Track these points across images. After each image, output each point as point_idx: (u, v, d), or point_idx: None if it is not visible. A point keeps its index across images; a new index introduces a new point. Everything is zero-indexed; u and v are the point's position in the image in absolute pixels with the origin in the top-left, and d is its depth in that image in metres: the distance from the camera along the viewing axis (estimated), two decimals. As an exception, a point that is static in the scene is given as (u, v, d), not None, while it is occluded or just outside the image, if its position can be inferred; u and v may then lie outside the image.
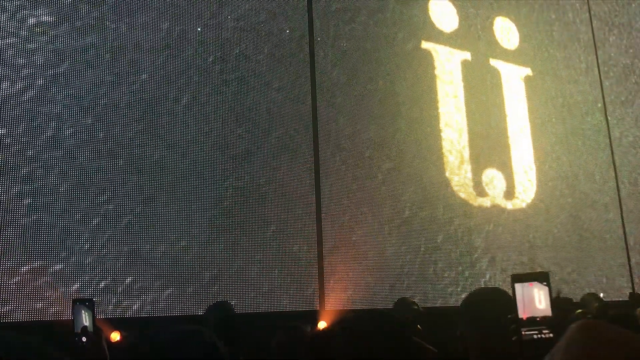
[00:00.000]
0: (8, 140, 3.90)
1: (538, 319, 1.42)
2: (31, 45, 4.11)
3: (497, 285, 5.40)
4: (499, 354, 1.40)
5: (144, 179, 4.32)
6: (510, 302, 1.55)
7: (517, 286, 1.45)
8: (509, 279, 1.43)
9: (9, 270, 3.71)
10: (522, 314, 1.43)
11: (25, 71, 4.06)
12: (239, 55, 4.92)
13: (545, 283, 1.43)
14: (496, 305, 1.47)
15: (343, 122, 5.34)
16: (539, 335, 1.41)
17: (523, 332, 1.42)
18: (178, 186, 4.44)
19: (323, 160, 5.09)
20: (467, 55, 6.44)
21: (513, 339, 1.42)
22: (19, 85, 4.01)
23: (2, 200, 3.79)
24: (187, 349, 1.32)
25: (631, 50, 7.99)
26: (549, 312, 1.42)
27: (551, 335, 1.40)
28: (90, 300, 2.03)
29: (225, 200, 4.61)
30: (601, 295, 5.53)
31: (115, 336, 3.80)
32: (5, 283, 3.68)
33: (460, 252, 5.73)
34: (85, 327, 1.96)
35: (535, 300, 1.43)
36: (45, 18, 4.19)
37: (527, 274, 1.50)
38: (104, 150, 4.22)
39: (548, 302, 1.42)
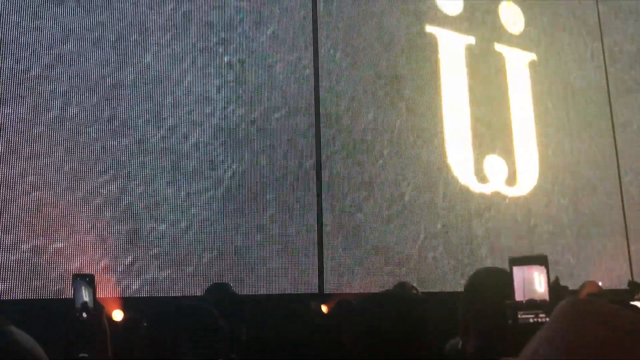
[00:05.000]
0: (14, 118, 3.89)
1: (536, 303, 1.39)
2: (36, 23, 4.08)
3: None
4: (497, 337, 1.39)
5: (147, 159, 4.32)
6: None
7: (516, 269, 1.42)
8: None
9: (10, 248, 3.72)
10: (521, 297, 1.40)
11: (30, 49, 4.03)
12: (241, 36, 4.89)
13: (543, 266, 1.40)
14: (496, 287, 1.45)
15: (344, 105, 5.31)
16: (536, 319, 1.38)
17: (520, 316, 1.39)
18: (180, 167, 4.44)
19: (324, 144, 5.08)
20: (471, 40, 6.38)
21: (509, 322, 1.40)
22: (24, 63, 3.99)
23: (6, 178, 3.80)
24: (189, 319, 1.33)
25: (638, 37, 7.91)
26: (546, 297, 1.39)
27: (547, 319, 1.35)
28: (91, 276, 2.02)
29: (226, 182, 4.61)
30: (600, 283, 5.53)
31: (117, 315, 3.82)
32: (6, 260, 3.70)
33: (460, 239, 5.73)
34: (85, 303, 1.95)
35: (533, 283, 1.40)
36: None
37: (526, 257, 1.47)
38: (108, 130, 4.21)
39: (546, 286, 1.40)
